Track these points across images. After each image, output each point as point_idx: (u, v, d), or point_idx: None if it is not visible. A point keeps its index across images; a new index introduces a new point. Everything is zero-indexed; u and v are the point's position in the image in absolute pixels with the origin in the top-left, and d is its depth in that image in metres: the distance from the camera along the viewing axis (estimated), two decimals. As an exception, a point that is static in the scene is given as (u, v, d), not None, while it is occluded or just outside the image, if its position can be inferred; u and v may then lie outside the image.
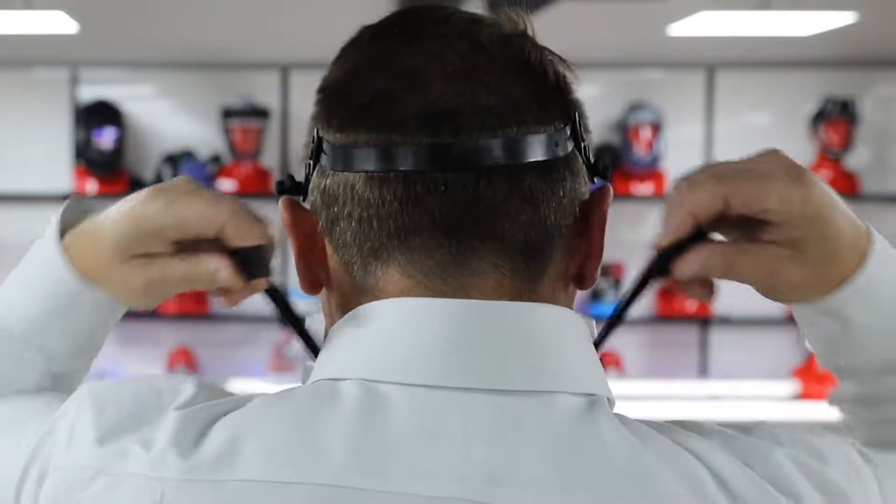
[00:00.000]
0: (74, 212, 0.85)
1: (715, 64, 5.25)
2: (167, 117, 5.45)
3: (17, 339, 0.84)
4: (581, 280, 0.76)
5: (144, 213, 0.76)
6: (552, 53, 0.75)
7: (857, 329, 0.78)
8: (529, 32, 0.74)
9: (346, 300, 0.75)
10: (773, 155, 0.74)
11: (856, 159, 5.30)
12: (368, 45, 0.76)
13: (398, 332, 0.70)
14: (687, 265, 0.73)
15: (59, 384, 0.86)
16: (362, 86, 0.73)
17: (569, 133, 0.73)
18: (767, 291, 0.76)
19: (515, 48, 0.73)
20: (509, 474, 0.65)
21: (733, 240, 0.74)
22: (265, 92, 5.26)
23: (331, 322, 0.77)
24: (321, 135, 0.74)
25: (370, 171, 0.71)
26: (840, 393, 0.85)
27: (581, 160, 0.75)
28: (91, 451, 0.69)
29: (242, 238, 0.74)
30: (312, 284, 0.78)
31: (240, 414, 0.69)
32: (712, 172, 0.72)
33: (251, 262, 0.75)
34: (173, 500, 0.66)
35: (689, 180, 0.73)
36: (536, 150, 0.71)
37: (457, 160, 0.70)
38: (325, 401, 0.68)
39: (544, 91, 0.73)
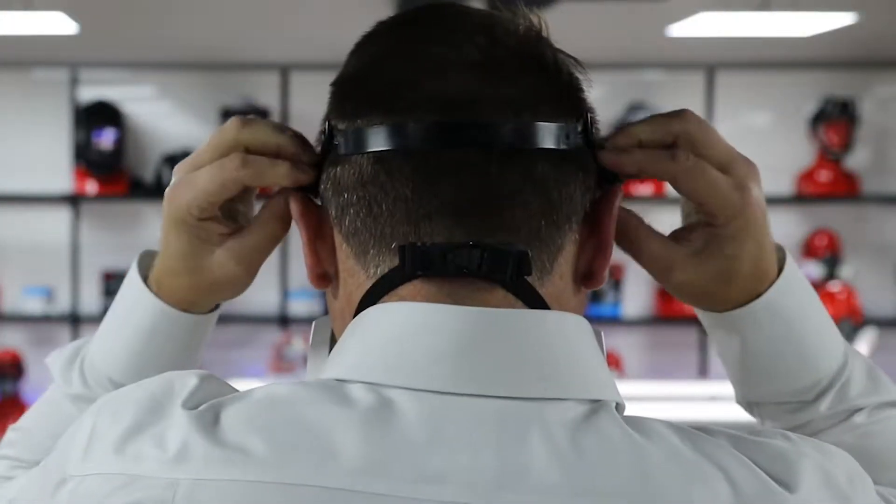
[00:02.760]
0: (146, 260, 0.89)
1: (715, 64, 5.25)
2: (167, 118, 5.45)
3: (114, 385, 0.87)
4: (591, 278, 0.76)
5: (178, 201, 0.80)
6: (566, 55, 0.76)
7: (753, 350, 0.82)
8: (545, 33, 0.76)
9: (353, 292, 0.74)
10: (751, 168, 0.79)
11: (856, 160, 5.30)
12: (386, 36, 0.76)
13: (408, 337, 0.70)
14: (625, 156, 0.79)
15: None
16: (379, 73, 0.74)
17: (580, 129, 0.74)
18: (665, 285, 0.80)
19: (531, 45, 0.74)
20: (517, 479, 0.65)
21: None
22: (265, 92, 5.26)
23: (337, 317, 0.77)
24: (333, 124, 0.74)
25: (382, 151, 0.70)
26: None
27: (592, 159, 0.75)
28: (109, 458, 0.68)
29: (266, 175, 0.77)
30: (321, 277, 0.77)
31: (246, 411, 0.68)
32: (699, 122, 0.78)
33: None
34: (186, 499, 0.65)
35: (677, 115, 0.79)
36: (549, 139, 0.71)
37: (469, 139, 0.70)
38: (334, 402, 0.68)
39: (558, 88, 0.74)
